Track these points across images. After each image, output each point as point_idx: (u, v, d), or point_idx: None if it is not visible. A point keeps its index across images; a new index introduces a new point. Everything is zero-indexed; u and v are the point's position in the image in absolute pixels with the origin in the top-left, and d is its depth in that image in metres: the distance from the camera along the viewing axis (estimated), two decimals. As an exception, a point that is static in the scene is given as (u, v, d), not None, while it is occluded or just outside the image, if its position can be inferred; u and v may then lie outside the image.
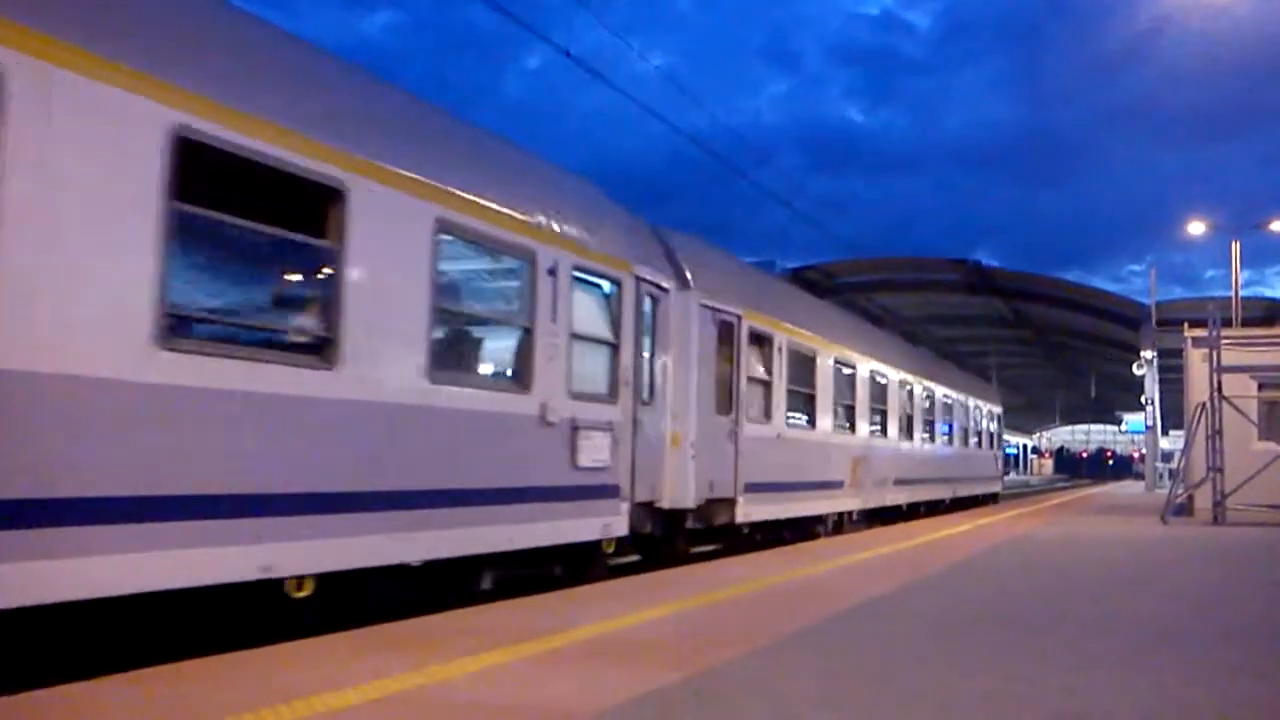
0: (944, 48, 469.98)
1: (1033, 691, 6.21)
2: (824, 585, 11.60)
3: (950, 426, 34.67)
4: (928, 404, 31.23)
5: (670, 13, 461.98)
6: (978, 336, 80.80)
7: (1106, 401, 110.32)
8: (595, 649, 7.33)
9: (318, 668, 6.44)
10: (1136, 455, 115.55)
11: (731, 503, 16.59)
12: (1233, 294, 45.51)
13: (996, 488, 43.51)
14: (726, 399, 16.66)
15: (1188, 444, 28.57)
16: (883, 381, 25.87)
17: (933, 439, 31.97)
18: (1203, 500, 26.68)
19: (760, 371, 18.08)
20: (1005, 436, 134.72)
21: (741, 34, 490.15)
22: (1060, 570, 13.94)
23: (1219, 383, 25.87)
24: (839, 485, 21.93)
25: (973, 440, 38.82)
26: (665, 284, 14.91)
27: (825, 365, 21.08)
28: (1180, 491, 28.36)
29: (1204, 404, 26.23)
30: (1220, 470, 25.73)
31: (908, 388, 28.56)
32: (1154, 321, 53.74)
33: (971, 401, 38.49)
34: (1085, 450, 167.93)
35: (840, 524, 22.45)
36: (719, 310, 16.37)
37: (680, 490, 15.15)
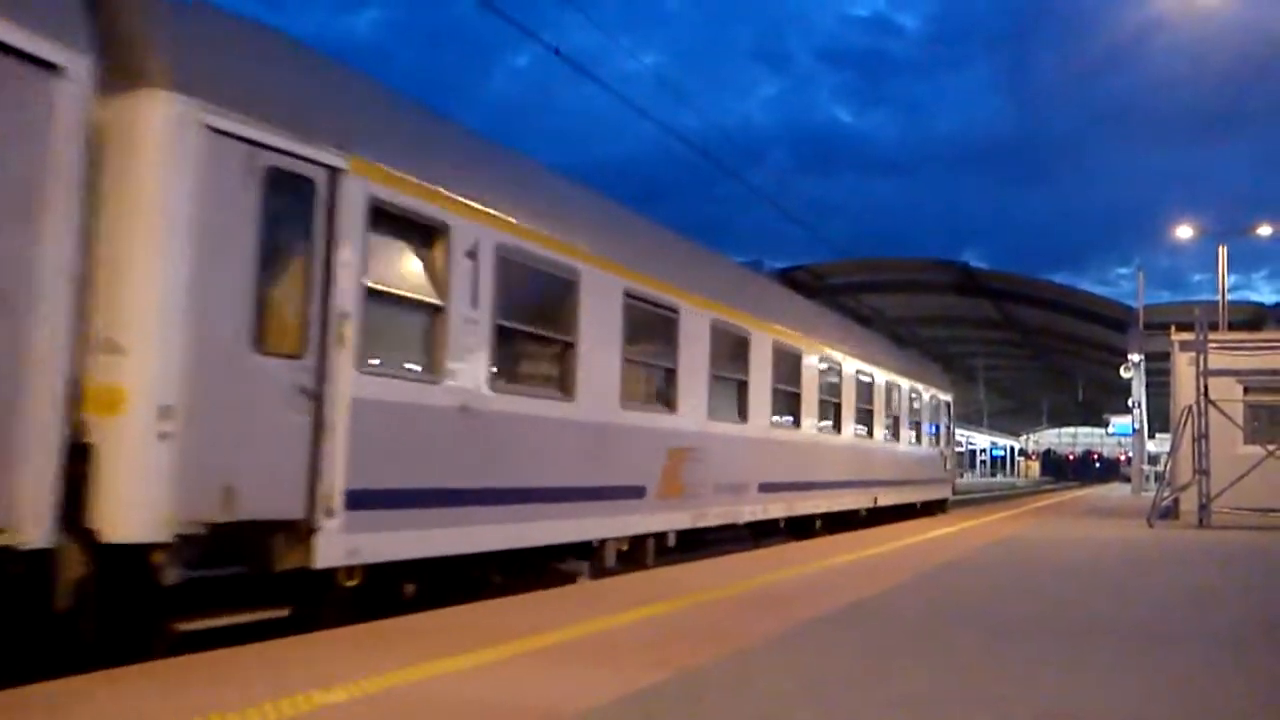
0: (933, 50, 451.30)
1: (1019, 693, 5.80)
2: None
3: (870, 413, 22.40)
4: (829, 380, 19.56)
5: (660, 12, 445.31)
6: (966, 338, 74.88)
7: (1093, 404, 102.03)
8: (583, 648, 6.76)
9: (308, 664, 5.96)
10: (1123, 458, 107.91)
11: (305, 529, 7.42)
12: (1219, 298, 42.42)
13: (945, 493, 30.51)
14: (296, 325, 7.45)
15: (1174, 447, 26.27)
16: (741, 338, 15.21)
17: (838, 428, 20.06)
18: (1189, 503, 24.71)
19: (412, 285, 8.71)
20: (993, 439, 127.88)
21: (732, 34, 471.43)
22: (1046, 572, 12.72)
23: (1205, 386, 24.21)
24: (635, 493, 12.04)
25: (907, 432, 26.00)
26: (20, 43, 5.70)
27: (601, 298, 11.25)
28: (1166, 494, 26.36)
29: (1190, 407, 24.35)
30: (1206, 473, 23.83)
31: (791, 355, 17.43)
32: (1141, 325, 49.53)
33: (906, 383, 25.81)
34: (1072, 453, 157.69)
35: (638, 553, 12.33)
36: (266, 147, 7.10)
37: (114, 505, 6.25)
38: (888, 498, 23.77)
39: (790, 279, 58.82)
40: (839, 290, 61.56)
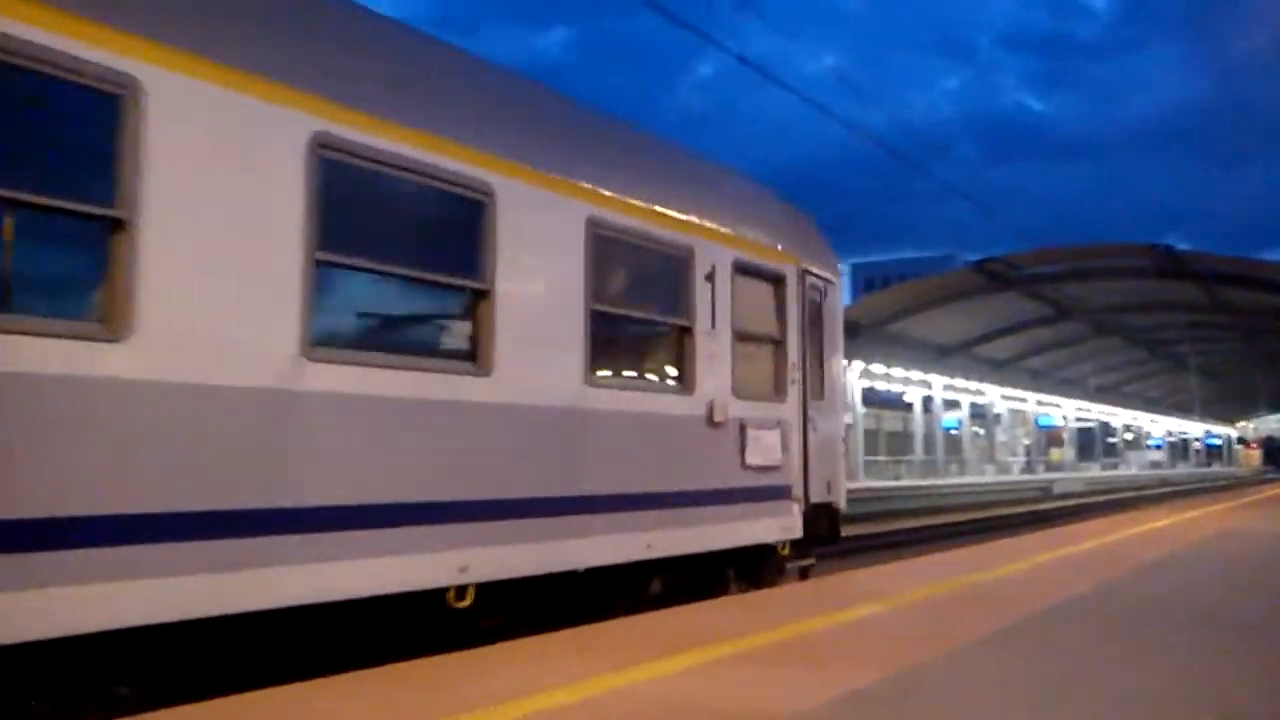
0: (1123, 27, 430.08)
1: (1252, 696, 5.31)
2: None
3: (486, 298, 6.98)
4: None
5: (840, 12, 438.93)
6: (1170, 324, 72.50)
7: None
8: (789, 651, 6.46)
9: (517, 670, 5.82)
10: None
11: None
12: None
13: (780, 525, 10.16)
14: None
15: None
16: None
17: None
18: None
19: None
20: (1207, 427, 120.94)
21: (912, 29, 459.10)
22: (1275, 568, 11.70)
23: None
24: None
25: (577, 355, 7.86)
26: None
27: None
28: None
29: None
30: None
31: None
32: (1371, 300, 45.08)
33: (632, 221, 8.39)
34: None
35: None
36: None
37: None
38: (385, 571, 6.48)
39: (986, 270, 57.64)
40: (1036, 280, 59.69)
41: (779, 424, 10.18)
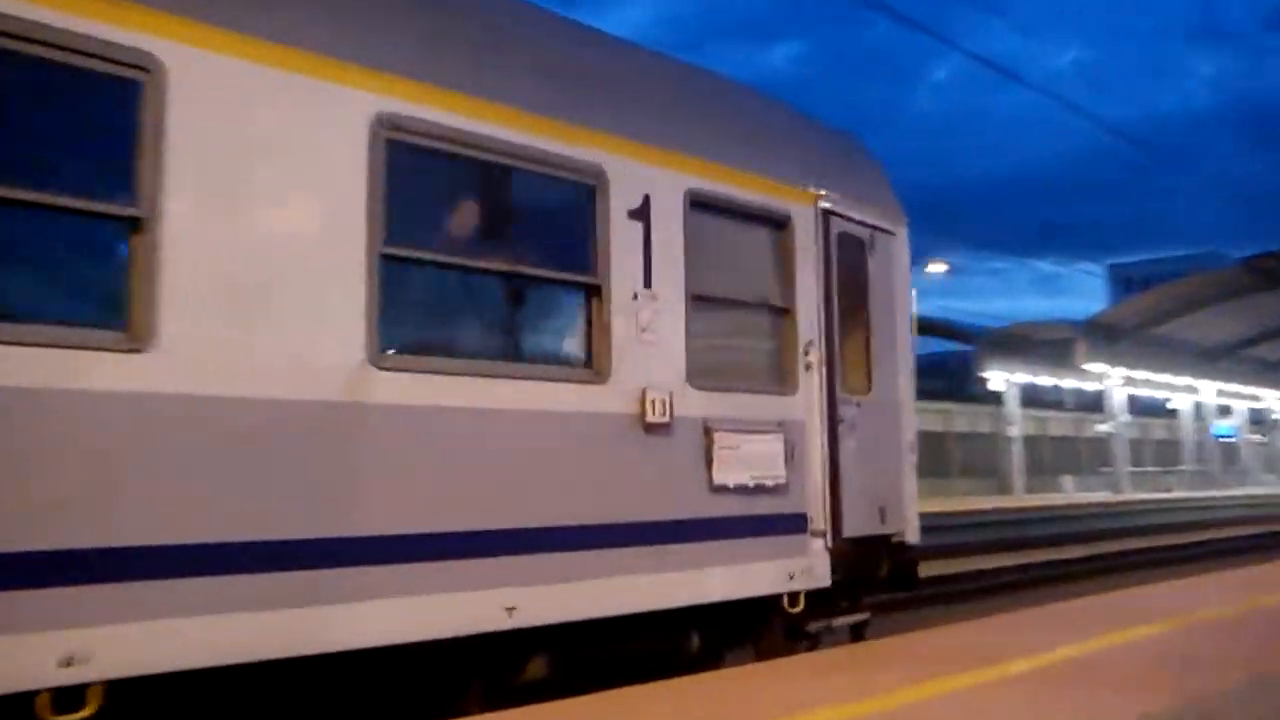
0: None
1: None
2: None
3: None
4: None
5: (1082, 5, 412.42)
6: None
7: None
8: (1075, 672, 6.07)
9: (777, 689, 5.50)
10: None
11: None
12: None
13: (755, 580, 6.90)
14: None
15: None
16: None
17: None
18: None
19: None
20: None
21: (1161, 17, 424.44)
22: None
23: None
24: None
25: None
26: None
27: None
28: None
29: None
30: None
31: None
32: None
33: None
34: None
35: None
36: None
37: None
38: None
39: (1256, 267, 51.82)
40: (1318, 275, 53.51)
41: (781, 426, 7.07)
